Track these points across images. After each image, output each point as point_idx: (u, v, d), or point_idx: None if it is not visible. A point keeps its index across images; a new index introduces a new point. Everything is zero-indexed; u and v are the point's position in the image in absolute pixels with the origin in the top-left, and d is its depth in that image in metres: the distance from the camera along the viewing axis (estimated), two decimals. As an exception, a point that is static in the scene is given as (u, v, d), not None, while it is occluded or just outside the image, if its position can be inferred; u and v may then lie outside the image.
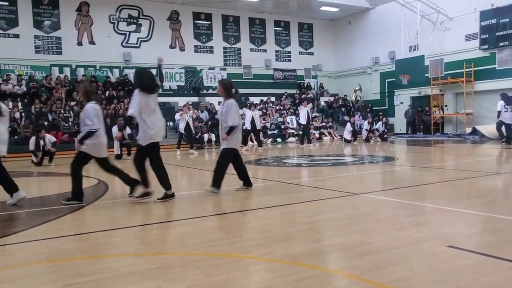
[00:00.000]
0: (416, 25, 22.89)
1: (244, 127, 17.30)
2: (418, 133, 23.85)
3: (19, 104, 18.61)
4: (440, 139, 20.74)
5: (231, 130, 6.62)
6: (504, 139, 15.76)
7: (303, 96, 25.16)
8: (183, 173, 10.64)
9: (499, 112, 15.79)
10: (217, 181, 6.63)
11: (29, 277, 3.25)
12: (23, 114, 18.13)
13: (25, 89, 19.80)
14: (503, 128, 15.91)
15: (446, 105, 23.74)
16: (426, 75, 23.08)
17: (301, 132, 18.88)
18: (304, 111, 17.30)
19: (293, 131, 22.27)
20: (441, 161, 11.73)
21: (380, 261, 3.29)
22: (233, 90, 6.83)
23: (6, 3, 20.49)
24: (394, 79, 24.93)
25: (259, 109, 21.56)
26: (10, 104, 18.30)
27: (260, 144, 16.71)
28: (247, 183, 6.92)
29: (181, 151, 15.73)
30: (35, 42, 21.12)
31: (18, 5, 20.71)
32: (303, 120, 17.43)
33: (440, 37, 23.16)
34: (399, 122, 25.55)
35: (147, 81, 6.16)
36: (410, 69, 23.40)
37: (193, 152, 15.79)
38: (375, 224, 4.51)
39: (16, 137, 16.98)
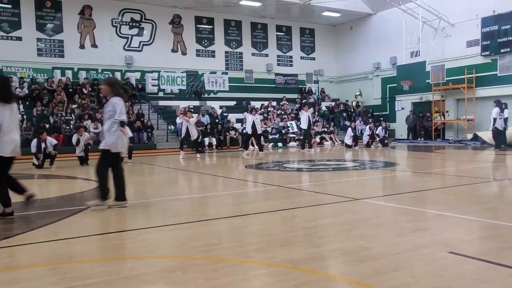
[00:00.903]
0: (417, 31, 22.94)
1: (245, 131, 17.32)
2: (419, 139, 23.84)
3: (21, 106, 18.62)
4: (441, 145, 20.74)
5: (122, 124, 6.01)
6: (503, 145, 15.95)
7: (304, 101, 25.22)
8: (184, 177, 10.65)
9: (495, 120, 15.95)
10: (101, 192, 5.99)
11: (30, 279, 3.25)
12: (24, 116, 18.14)
13: (27, 91, 19.85)
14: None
15: (447, 111, 23.76)
16: (427, 81, 23.11)
17: (302, 137, 18.89)
18: (305, 115, 17.31)
19: (294, 135, 22.29)
20: (442, 167, 11.72)
21: (381, 267, 3.29)
22: (121, 89, 6.25)
23: (9, 6, 20.58)
24: (396, 85, 24.95)
25: (260, 114, 21.54)
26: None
27: (261, 148, 16.71)
28: (120, 197, 6.06)
29: (185, 154, 15.72)
30: (37, 45, 21.18)
31: (21, 8, 20.80)
32: (304, 125, 17.44)
33: (441, 43, 23.21)
34: (400, 127, 25.55)
35: (6, 90, 5.48)
36: (412, 74, 23.43)
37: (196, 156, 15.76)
38: (376, 230, 4.50)
39: (17, 139, 17.00)
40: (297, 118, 24.06)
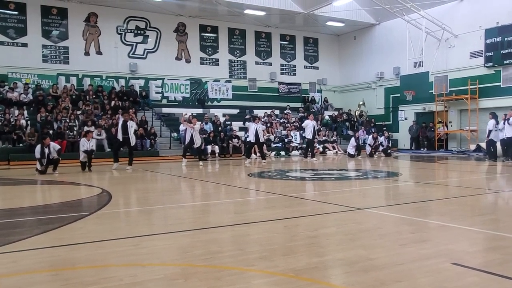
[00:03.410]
0: (421, 41, 23.01)
1: (248, 140, 17.31)
2: (422, 149, 23.82)
3: (25, 112, 18.74)
4: (444, 155, 20.70)
5: None
6: (509, 157, 16.05)
7: (309, 109, 25.30)
8: (186, 185, 10.65)
9: (490, 131, 16.34)
10: None
11: (33, 285, 3.25)
12: (28, 122, 18.24)
13: (31, 97, 19.94)
14: (498, 144, 16.52)
15: (450, 122, 23.75)
16: (430, 91, 23.14)
17: (305, 146, 18.86)
18: (310, 124, 17.29)
19: (296, 144, 22.30)
20: (445, 178, 11.69)
21: (384, 277, 3.27)
22: None
23: (16, 13, 20.77)
24: (399, 95, 24.99)
25: (262, 123, 21.47)
26: (16, 112, 18.44)
27: (263, 156, 16.71)
28: None
29: (187, 162, 15.68)
30: (42, 52, 21.34)
31: (27, 15, 20.99)
32: (309, 134, 17.41)
33: (445, 54, 23.26)
34: (403, 137, 25.54)
35: None
36: (415, 85, 23.46)
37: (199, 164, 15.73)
38: (378, 240, 4.49)
39: (21, 144, 17.07)
40: (300, 128, 24.05)
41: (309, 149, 17.70)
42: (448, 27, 22.77)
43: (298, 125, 24.38)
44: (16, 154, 16.45)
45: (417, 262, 3.66)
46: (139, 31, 23.72)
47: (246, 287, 3.17)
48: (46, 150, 12.60)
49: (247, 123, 18.23)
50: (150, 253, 4.10)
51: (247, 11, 24.01)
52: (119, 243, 4.47)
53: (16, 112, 18.42)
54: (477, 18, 21.78)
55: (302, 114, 25.70)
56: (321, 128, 24.40)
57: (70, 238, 4.71)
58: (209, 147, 19.47)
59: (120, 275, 3.40)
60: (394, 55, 25.61)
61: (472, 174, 12.40)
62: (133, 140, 14.27)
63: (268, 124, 23.45)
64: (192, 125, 15.45)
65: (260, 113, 24.32)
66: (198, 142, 15.51)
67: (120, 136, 13.92)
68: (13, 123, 17.58)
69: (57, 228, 5.15)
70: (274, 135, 22.93)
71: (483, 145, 19.80)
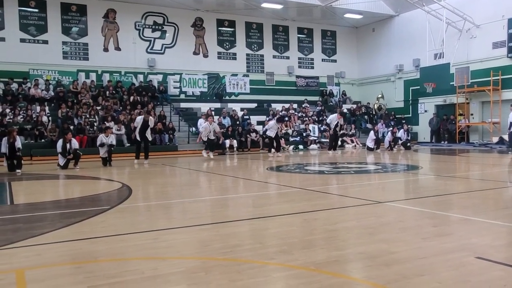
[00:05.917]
0: (441, 32, 22.57)
1: (268, 135, 17.30)
2: (442, 142, 23.44)
3: (47, 108, 19.05)
4: (466, 148, 20.34)
5: None
6: None
7: (327, 103, 25.10)
8: (205, 179, 10.69)
9: (511, 124, 15.91)
10: None
11: (56, 277, 3.30)
12: (50, 118, 18.54)
13: (52, 93, 20.27)
14: None
15: (472, 114, 23.29)
16: (451, 83, 22.70)
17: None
18: (335, 119, 17.51)
19: (315, 138, 22.18)
20: (466, 171, 11.49)
21: (406, 271, 3.23)
22: None
23: (36, 10, 21.09)
24: (419, 87, 24.59)
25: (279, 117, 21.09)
26: (38, 108, 18.76)
27: (278, 149, 16.94)
28: None
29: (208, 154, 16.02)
30: (63, 48, 21.63)
31: (47, 12, 21.29)
32: (332, 128, 17.73)
33: (466, 44, 22.79)
34: (423, 130, 25.17)
35: None
36: (435, 77, 23.03)
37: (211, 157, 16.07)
38: (400, 233, 4.43)
39: (43, 140, 17.38)
40: (319, 121, 23.90)
41: (333, 142, 17.87)
42: (469, 17, 22.27)
43: (317, 119, 24.23)
44: (38, 149, 16.76)
45: (440, 256, 3.60)
46: (157, 27, 23.84)
47: (266, 280, 3.17)
48: (68, 145, 12.82)
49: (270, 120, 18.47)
50: (170, 247, 4.13)
51: (264, 5, 23.90)
52: (139, 237, 4.51)
53: (38, 108, 18.74)
54: (499, 7, 21.26)
55: (320, 108, 25.54)
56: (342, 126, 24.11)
57: (91, 232, 4.77)
58: (227, 141, 19.52)
59: (141, 268, 3.43)
60: (414, 46, 25.18)
61: (495, 167, 12.15)
62: (149, 136, 14.88)
63: (286, 118, 23.35)
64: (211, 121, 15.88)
65: (278, 107, 24.27)
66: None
67: (139, 137, 14.48)
68: (35, 119, 17.90)
69: (79, 222, 5.23)
70: (292, 129, 22.83)
71: (506, 137, 19.40)
